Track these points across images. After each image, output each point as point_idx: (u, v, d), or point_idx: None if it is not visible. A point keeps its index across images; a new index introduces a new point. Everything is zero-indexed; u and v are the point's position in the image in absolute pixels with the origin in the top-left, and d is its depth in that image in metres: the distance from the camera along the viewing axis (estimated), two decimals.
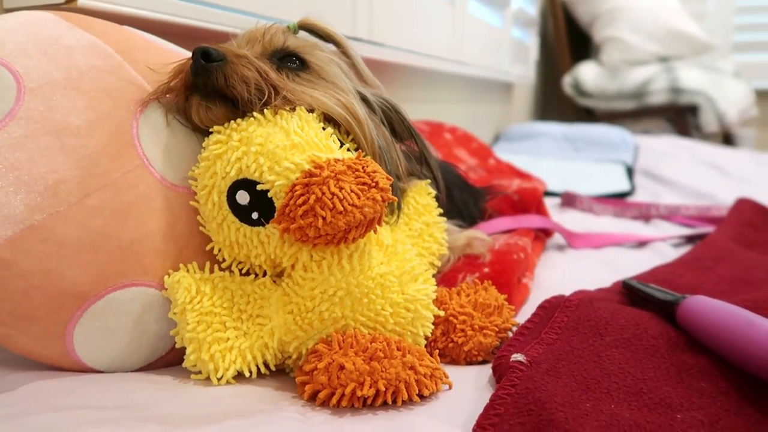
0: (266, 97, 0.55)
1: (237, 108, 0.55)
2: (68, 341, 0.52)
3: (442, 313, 0.59)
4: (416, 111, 1.71)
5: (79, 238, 0.51)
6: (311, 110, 0.58)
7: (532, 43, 2.88)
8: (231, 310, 0.53)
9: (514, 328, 0.61)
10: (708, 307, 0.53)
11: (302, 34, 0.65)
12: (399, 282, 0.55)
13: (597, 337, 0.54)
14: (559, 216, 1.28)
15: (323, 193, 0.49)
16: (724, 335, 0.49)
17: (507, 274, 0.71)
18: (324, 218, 0.49)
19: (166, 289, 0.54)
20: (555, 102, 3.33)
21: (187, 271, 0.54)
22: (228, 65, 0.54)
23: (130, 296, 0.53)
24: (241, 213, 0.53)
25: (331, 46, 0.67)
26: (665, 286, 0.67)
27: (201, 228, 0.56)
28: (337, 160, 0.52)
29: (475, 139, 1.54)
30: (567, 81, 2.93)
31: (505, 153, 1.95)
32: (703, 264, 0.79)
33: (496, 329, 0.59)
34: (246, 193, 0.53)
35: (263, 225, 0.53)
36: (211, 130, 0.56)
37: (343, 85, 0.61)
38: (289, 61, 0.60)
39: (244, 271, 0.56)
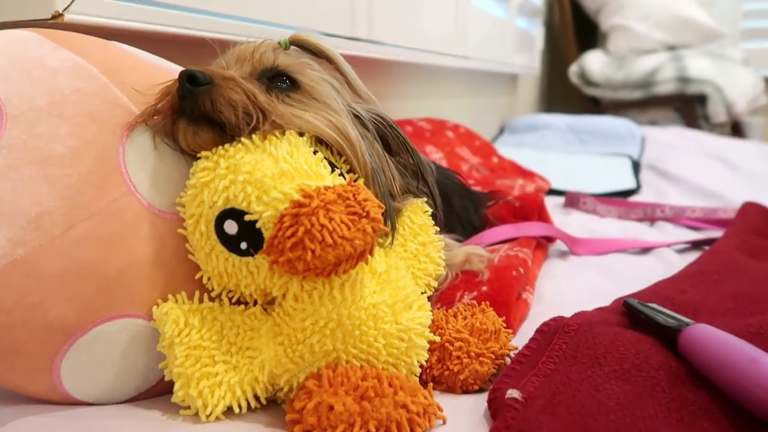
0: (254, 121, 0.53)
1: (225, 132, 0.54)
2: (55, 375, 0.51)
3: (437, 339, 0.58)
4: (419, 107, 1.69)
5: (64, 271, 0.50)
6: (302, 133, 0.56)
7: (537, 32, 2.84)
8: (220, 342, 0.52)
9: (513, 353, 0.59)
10: (710, 339, 0.51)
11: (294, 50, 0.63)
12: (392, 311, 0.53)
13: (596, 367, 0.53)
14: (562, 218, 1.26)
15: (312, 225, 0.48)
16: (726, 371, 0.48)
17: (506, 293, 0.70)
18: (313, 251, 0.47)
19: (155, 320, 0.53)
20: (561, 92, 3.30)
21: (176, 301, 0.53)
22: (215, 89, 0.53)
23: (117, 328, 0.52)
24: (230, 243, 0.52)
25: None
26: (667, 305, 0.66)
27: (190, 256, 0.55)
28: (327, 188, 0.51)
29: (477, 136, 1.52)
30: (573, 70, 2.90)
31: (509, 147, 1.93)
32: (707, 278, 0.78)
33: (493, 356, 0.57)
34: (234, 222, 0.51)
35: (252, 255, 0.51)
36: (198, 155, 0.54)
37: (335, 105, 0.59)
38: (280, 80, 0.59)
39: (234, 300, 0.55)
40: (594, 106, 2.94)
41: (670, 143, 2.09)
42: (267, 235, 0.50)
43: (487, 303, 0.65)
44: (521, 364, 0.55)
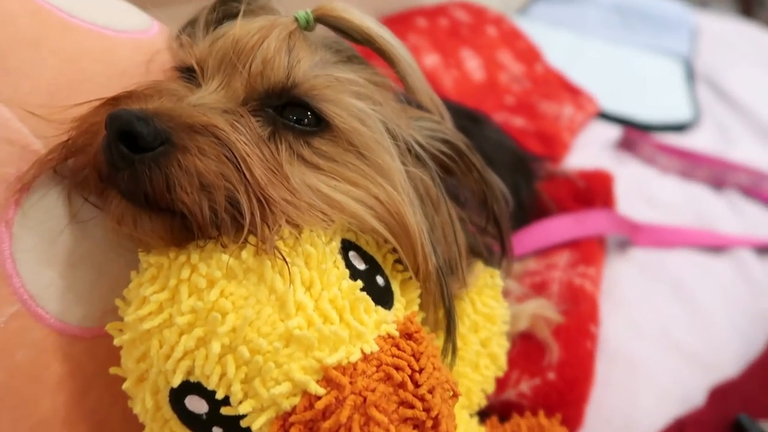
0: (248, 218, 0.29)
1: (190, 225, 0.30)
2: None
3: None
4: None
5: None
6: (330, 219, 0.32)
7: None
8: None
9: None
10: None
11: (321, 32, 0.37)
12: None
13: None
14: (615, 167, 1.03)
15: None
16: None
17: (581, 385, 0.51)
18: None
19: None
20: None
21: None
22: (174, 157, 0.28)
23: None
24: (195, 423, 0.31)
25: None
26: None
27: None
28: (367, 359, 0.29)
29: (521, 36, 1.22)
30: None
31: (543, 24, 1.62)
32: None
33: None
34: (203, 401, 0.30)
35: None
36: (140, 256, 0.31)
37: (388, 162, 0.34)
38: (296, 113, 0.33)
39: None
40: None
41: (728, 41, 1.78)
42: None
43: (558, 420, 0.46)
44: None
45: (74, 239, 0.32)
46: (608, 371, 0.58)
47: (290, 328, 0.28)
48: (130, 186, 0.28)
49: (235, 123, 0.31)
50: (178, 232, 0.30)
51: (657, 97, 1.43)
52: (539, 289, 0.64)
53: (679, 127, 1.29)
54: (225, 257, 0.29)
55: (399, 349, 0.31)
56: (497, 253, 0.47)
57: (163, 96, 0.31)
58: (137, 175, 0.28)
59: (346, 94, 0.34)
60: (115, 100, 0.31)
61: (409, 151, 0.36)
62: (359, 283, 0.31)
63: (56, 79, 0.33)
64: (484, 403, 0.46)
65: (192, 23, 0.40)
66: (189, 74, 0.35)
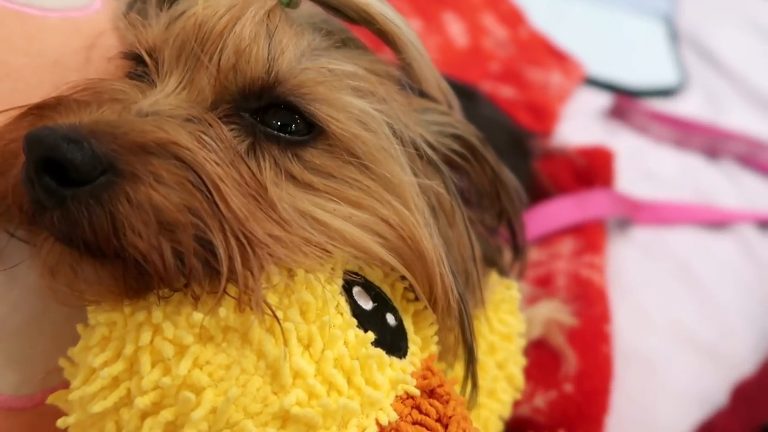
0: (225, 267, 0.22)
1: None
2: None
3: None
4: None
5: None
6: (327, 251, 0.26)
7: None
8: None
9: None
10: None
11: (307, 9, 0.29)
12: None
13: None
14: (603, 137, 0.97)
15: None
16: None
17: (599, 397, 0.46)
18: None
19: None
20: None
21: None
22: (120, 190, 0.21)
23: None
24: None
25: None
26: None
27: None
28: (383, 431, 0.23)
29: None
30: None
31: None
32: None
33: None
34: None
35: None
36: (87, 310, 0.24)
37: (396, 175, 0.27)
38: (281, 118, 0.26)
39: None
40: None
41: (711, 1, 1.74)
42: None
43: None
44: None
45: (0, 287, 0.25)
46: (622, 372, 0.54)
47: (287, 405, 0.22)
48: (64, 229, 0.21)
49: (202, 136, 0.23)
50: (132, 281, 0.23)
51: (640, 60, 1.37)
52: (544, 283, 0.58)
53: (665, 92, 1.24)
54: (197, 315, 0.22)
55: (421, 412, 0.25)
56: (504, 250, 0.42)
57: (104, 102, 0.23)
58: (71, 216, 0.21)
59: (344, 92, 0.26)
60: (39, 109, 0.24)
61: (420, 156, 0.30)
62: (370, 335, 0.25)
63: None
64: (501, 431, 0.40)
65: None
66: (140, 66, 0.28)
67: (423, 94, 0.34)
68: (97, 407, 0.22)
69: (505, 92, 0.94)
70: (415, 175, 0.29)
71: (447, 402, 0.26)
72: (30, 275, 0.26)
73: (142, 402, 0.22)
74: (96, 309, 0.24)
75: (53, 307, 0.26)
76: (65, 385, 0.26)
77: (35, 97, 0.26)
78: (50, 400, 0.25)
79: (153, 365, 0.22)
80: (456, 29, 1.00)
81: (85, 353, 0.24)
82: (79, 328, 0.25)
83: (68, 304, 0.24)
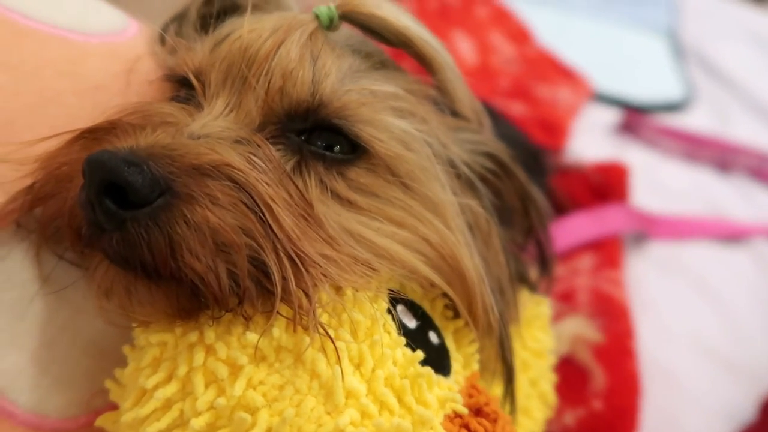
0: (279, 287, 0.22)
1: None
2: None
3: None
4: None
5: None
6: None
7: None
8: None
9: None
10: None
11: (345, 32, 0.29)
12: None
13: None
14: (618, 154, 0.98)
15: None
16: None
17: (629, 414, 0.46)
18: None
19: None
20: None
21: None
22: (178, 212, 0.21)
23: None
24: None
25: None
26: None
27: None
28: None
29: (511, 16, 1.16)
30: None
31: (524, 2, 1.57)
32: None
33: None
34: None
35: None
36: (135, 332, 0.24)
37: (437, 194, 0.28)
38: (325, 139, 0.26)
39: None
40: None
41: (713, 16, 1.75)
42: None
43: None
44: None
45: (48, 309, 0.25)
46: (648, 387, 0.54)
47: (341, 425, 0.22)
48: (122, 251, 0.21)
49: (252, 157, 0.24)
50: (186, 302, 0.23)
51: (645, 75, 1.38)
52: (566, 299, 0.58)
53: (672, 107, 1.25)
54: (251, 335, 0.22)
55: (470, 431, 0.25)
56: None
57: (157, 125, 0.24)
58: (130, 238, 0.21)
59: (386, 113, 0.27)
60: (91, 133, 0.24)
61: (458, 175, 0.30)
62: (419, 354, 0.25)
63: (10, 103, 0.25)
64: None
65: (179, 18, 0.32)
66: (184, 88, 0.28)
67: (455, 114, 0.34)
68: (151, 429, 0.22)
69: (516, 109, 0.94)
70: (454, 194, 0.29)
71: (495, 421, 0.26)
72: (77, 295, 0.26)
73: (198, 423, 0.22)
74: (145, 330, 0.24)
75: (98, 327, 0.27)
76: (110, 406, 0.26)
77: (78, 121, 0.26)
78: (99, 422, 0.25)
79: (207, 386, 0.22)
80: (465, 47, 1.01)
81: (135, 374, 0.24)
82: (126, 349, 0.25)
83: (117, 325, 0.24)
